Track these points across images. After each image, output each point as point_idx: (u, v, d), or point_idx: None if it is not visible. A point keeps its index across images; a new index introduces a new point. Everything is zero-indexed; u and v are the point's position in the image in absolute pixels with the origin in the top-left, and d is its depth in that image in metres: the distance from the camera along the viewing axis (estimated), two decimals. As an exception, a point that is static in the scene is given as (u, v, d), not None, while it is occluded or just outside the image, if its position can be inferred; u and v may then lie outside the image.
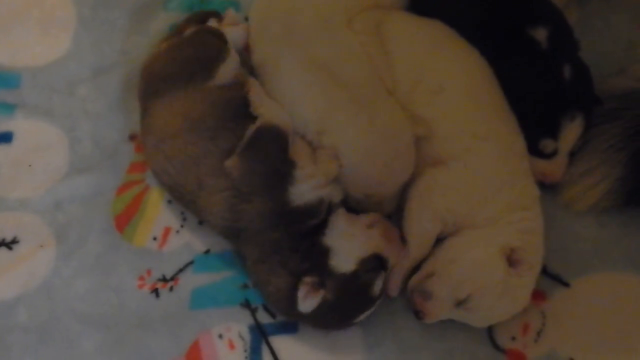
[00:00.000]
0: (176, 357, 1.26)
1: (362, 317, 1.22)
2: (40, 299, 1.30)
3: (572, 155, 1.35)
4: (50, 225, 1.36)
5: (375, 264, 1.21)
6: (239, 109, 1.27)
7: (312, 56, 1.30)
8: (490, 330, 1.27)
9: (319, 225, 1.23)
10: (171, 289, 1.31)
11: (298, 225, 1.21)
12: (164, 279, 1.32)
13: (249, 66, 1.39)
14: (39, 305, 1.30)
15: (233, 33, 1.38)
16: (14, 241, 1.34)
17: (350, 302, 1.21)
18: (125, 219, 1.36)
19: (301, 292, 1.19)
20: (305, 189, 1.21)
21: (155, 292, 1.31)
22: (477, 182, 1.26)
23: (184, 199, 1.29)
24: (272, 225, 1.21)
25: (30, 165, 1.41)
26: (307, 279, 1.19)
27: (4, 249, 1.34)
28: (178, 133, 1.27)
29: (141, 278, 1.32)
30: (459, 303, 1.21)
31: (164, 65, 1.34)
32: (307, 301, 1.19)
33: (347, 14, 1.36)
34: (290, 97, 1.29)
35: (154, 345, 1.27)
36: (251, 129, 1.23)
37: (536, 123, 1.32)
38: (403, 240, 1.26)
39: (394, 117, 1.27)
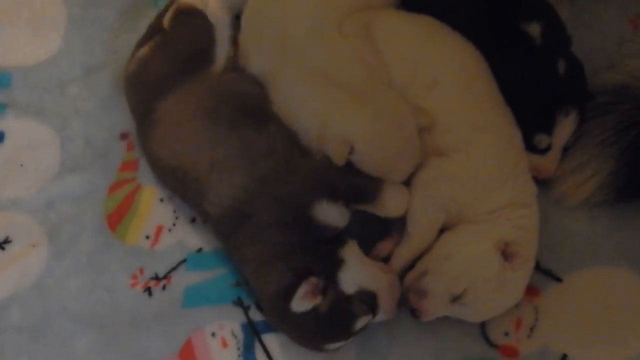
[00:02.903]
0: (169, 356, 1.26)
1: (333, 345, 1.20)
2: (33, 298, 1.30)
3: (565, 150, 1.35)
4: (42, 225, 1.36)
5: (371, 302, 1.19)
6: (255, 106, 1.28)
7: (308, 66, 1.29)
8: (483, 326, 1.27)
9: (335, 236, 1.22)
10: (164, 287, 1.31)
11: (309, 235, 1.21)
12: (157, 278, 1.32)
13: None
14: (32, 305, 1.30)
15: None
16: (6, 241, 1.34)
17: (333, 324, 1.18)
18: (117, 218, 1.36)
19: (302, 289, 1.16)
20: (333, 211, 1.21)
21: (148, 290, 1.31)
22: (481, 173, 1.25)
23: (185, 180, 1.26)
24: (282, 225, 1.20)
25: (21, 165, 1.41)
26: (314, 280, 1.16)
27: (-4, 249, 1.34)
28: (192, 118, 1.27)
29: (134, 277, 1.32)
30: (455, 299, 1.20)
31: (160, 66, 1.33)
32: (303, 301, 1.16)
33: (338, 18, 1.34)
34: (290, 111, 1.29)
35: (147, 344, 1.27)
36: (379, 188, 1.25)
37: (531, 118, 1.32)
38: (399, 304, 1.24)
39: (398, 106, 1.26)
